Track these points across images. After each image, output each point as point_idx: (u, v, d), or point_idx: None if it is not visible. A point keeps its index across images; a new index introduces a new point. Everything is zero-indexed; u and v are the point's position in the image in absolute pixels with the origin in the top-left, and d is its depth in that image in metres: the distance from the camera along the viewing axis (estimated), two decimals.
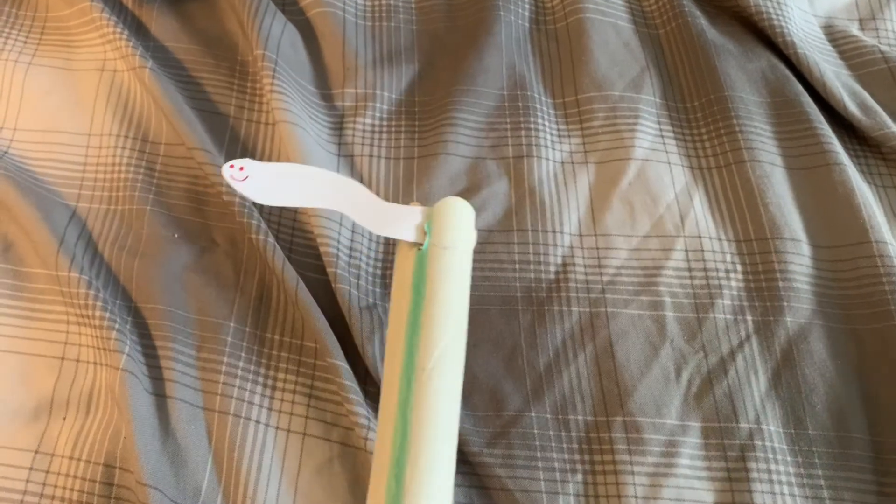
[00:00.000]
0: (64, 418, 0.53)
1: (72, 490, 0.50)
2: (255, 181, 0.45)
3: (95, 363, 0.55)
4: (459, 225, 0.45)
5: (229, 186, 0.48)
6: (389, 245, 0.60)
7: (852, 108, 0.64)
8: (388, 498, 0.38)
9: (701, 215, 0.60)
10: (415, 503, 0.37)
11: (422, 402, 0.40)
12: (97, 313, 0.54)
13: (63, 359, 0.55)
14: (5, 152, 0.63)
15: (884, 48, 0.69)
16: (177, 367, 0.53)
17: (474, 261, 0.58)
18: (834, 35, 0.72)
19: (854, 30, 0.72)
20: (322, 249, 0.57)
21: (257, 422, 0.52)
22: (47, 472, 0.51)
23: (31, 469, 0.51)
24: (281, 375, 0.54)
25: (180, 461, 0.51)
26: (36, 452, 0.51)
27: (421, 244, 0.44)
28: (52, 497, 0.50)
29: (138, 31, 0.70)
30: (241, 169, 0.45)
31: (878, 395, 0.53)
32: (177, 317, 0.55)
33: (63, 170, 0.62)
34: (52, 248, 0.56)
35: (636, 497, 0.50)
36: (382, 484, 0.39)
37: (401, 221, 0.45)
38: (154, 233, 0.59)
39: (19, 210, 0.58)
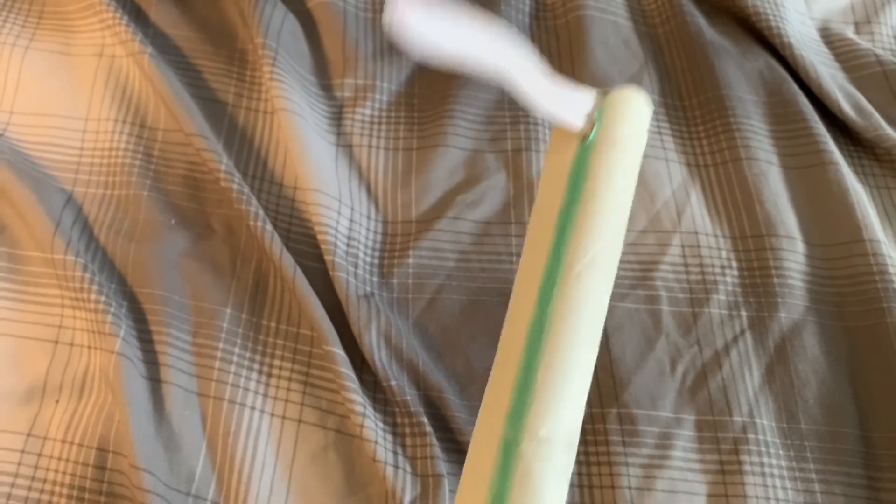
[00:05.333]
0: (57, 401, 0.53)
1: (64, 473, 0.50)
2: (421, 29, 0.37)
3: (90, 347, 0.54)
4: (635, 121, 0.39)
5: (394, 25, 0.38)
6: (387, 235, 0.60)
7: (847, 109, 0.64)
8: (514, 398, 0.34)
9: (697, 212, 0.61)
10: (545, 410, 0.33)
11: (566, 302, 0.35)
12: (92, 297, 0.54)
13: (57, 342, 0.55)
14: (1, 135, 0.62)
15: (879, 51, 0.70)
16: (172, 353, 0.53)
17: (472, 252, 0.59)
18: (830, 37, 0.72)
19: (850, 33, 0.73)
20: (320, 237, 0.57)
21: (252, 408, 0.52)
22: (39, 454, 0.50)
23: (22, 452, 0.50)
24: (277, 362, 0.54)
25: (174, 446, 0.50)
26: (28, 435, 0.51)
27: (587, 135, 0.38)
28: (45, 480, 0.50)
29: (137, 17, 0.69)
30: (411, 12, 0.37)
31: (868, 391, 0.53)
32: (173, 302, 0.55)
33: (60, 153, 0.62)
34: (48, 231, 0.56)
35: (630, 488, 0.50)
36: (507, 386, 0.35)
37: (567, 103, 0.38)
38: (151, 218, 0.59)
39: (15, 192, 0.58)
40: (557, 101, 0.39)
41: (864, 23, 0.74)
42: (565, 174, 0.38)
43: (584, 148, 0.38)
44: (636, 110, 0.40)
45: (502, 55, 0.39)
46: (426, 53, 0.37)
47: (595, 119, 0.38)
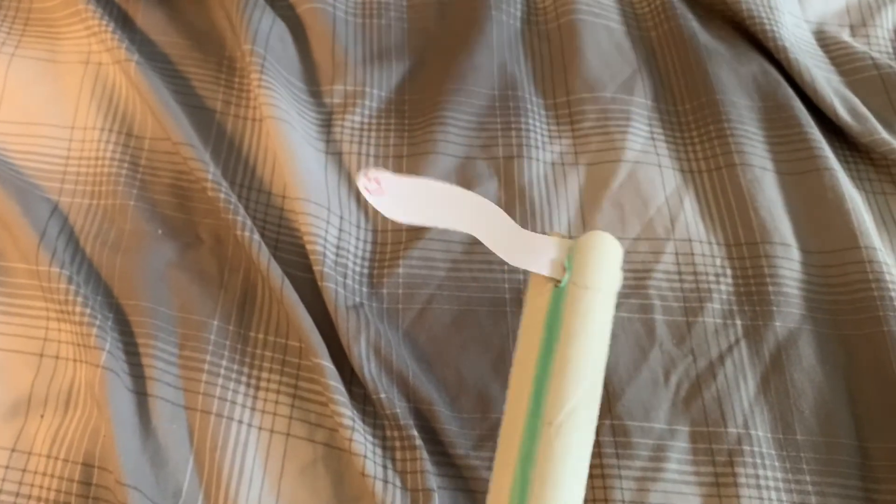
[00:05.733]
0: (42, 416, 0.52)
1: (49, 489, 0.49)
2: (391, 196, 0.41)
3: (75, 360, 0.53)
4: (605, 263, 0.40)
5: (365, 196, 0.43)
6: (377, 244, 0.59)
7: (843, 113, 0.63)
8: None
9: (691, 219, 0.60)
10: None
11: (547, 462, 0.35)
12: (77, 309, 0.53)
13: (42, 355, 0.54)
14: None
15: (874, 54, 0.69)
16: (158, 365, 0.52)
17: (463, 261, 0.58)
18: (825, 41, 0.72)
19: (845, 36, 0.72)
20: (309, 247, 0.56)
21: (240, 421, 0.51)
22: (24, 470, 0.50)
23: (7, 468, 0.50)
24: (265, 375, 0.53)
25: (161, 461, 0.50)
26: (12, 450, 0.50)
27: (558, 280, 0.39)
28: (29, 496, 0.49)
29: (124, 23, 0.68)
30: (378, 182, 0.41)
31: (865, 400, 0.52)
32: (159, 314, 0.54)
33: (45, 163, 0.61)
34: (33, 243, 0.55)
35: (623, 501, 0.49)
36: None
37: (538, 252, 0.40)
38: (137, 228, 0.58)
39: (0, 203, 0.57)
40: (526, 251, 0.40)
41: (859, 25, 0.73)
42: (542, 321, 0.38)
43: (558, 293, 0.38)
44: (606, 252, 0.40)
45: (469, 215, 0.42)
46: (396, 218, 0.40)
47: (566, 266, 0.39)
